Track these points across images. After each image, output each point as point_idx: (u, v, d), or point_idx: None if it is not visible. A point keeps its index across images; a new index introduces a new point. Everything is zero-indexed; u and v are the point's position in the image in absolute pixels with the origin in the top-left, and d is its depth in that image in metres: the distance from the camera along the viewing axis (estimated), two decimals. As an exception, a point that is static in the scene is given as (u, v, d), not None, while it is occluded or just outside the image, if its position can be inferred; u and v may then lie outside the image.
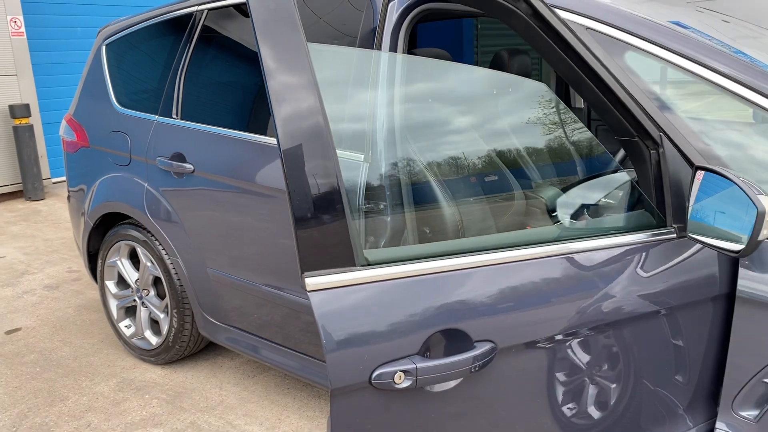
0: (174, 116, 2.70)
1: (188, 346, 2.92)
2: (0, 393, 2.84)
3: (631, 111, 1.36)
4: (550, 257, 1.28)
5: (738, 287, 1.49)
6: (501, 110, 1.59)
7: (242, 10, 2.58)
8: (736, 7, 2.19)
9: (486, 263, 1.16)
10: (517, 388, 1.23)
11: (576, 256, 1.31)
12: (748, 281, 1.48)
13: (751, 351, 1.50)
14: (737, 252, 1.28)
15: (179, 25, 2.75)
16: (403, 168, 1.67)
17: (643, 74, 1.62)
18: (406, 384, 1.05)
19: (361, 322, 1.04)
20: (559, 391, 1.33)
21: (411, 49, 3.69)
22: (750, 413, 1.54)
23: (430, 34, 9.21)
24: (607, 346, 1.39)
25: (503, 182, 1.66)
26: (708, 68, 1.54)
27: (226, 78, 2.57)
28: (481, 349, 1.13)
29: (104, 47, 3.12)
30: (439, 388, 1.11)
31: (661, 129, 1.41)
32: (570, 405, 1.38)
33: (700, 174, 1.35)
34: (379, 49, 2.07)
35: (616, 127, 1.40)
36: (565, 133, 1.62)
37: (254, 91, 2.44)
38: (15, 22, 6.47)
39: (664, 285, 1.43)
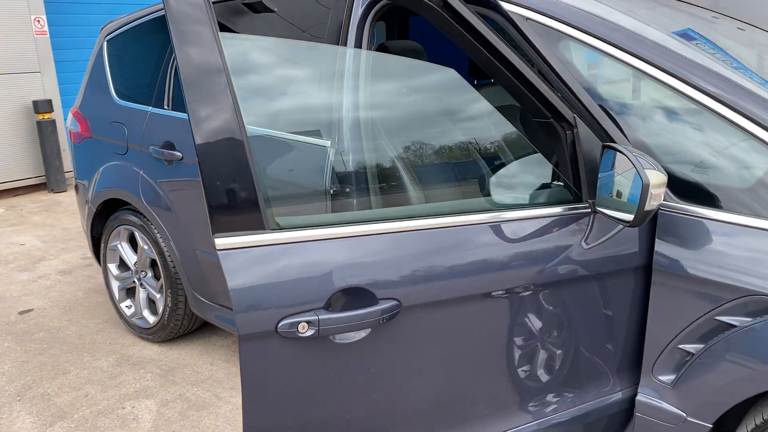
0: (165, 107, 2.87)
1: (182, 325, 3.10)
2: (8, 366, 3.05)
3: (544, 95, 1.47)
4: (460, 226, 1.40)
5: (654, 259, 1.60)
6: (433, 99, 1.72)
7: (229, 5, 2.73)
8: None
9: (391, 230, 1.29)
10: (422, 345, 1.35)
11: (485, 226, 1.43)
12: (663, 253, 1.59)
13: (666, 319, 1.61)
14: (629, 222, 1.39)
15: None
16: (359, 153, 1.81)
17: (575, 61, 1.73)
18: (309, 333, 1.19)
19: (268, 278, 1.18)
20: (468, 349, 1.45)
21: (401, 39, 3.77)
22: (668, 378, 1.64)
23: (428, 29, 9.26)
24: (521, 309, 1.50)
25: (445, 165, 1.78)
26: (634, 56, 1.64)
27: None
28: (384, 305, 1.27)
29: (105, 43, 3.30)
30: (344, 339, 1.25)
31: (576, 111, 1.52)
32: (478, 364, 1.50)
33: (604, 151, 1.46)
34: (345, 43, 2.20)
35: (532, 111, 1.51)
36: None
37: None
38: (38, 21, 6.74)
39: (579, 256, 1.54)
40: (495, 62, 1.45)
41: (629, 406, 1.76)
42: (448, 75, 1.62)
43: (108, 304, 3.74)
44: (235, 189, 1.11)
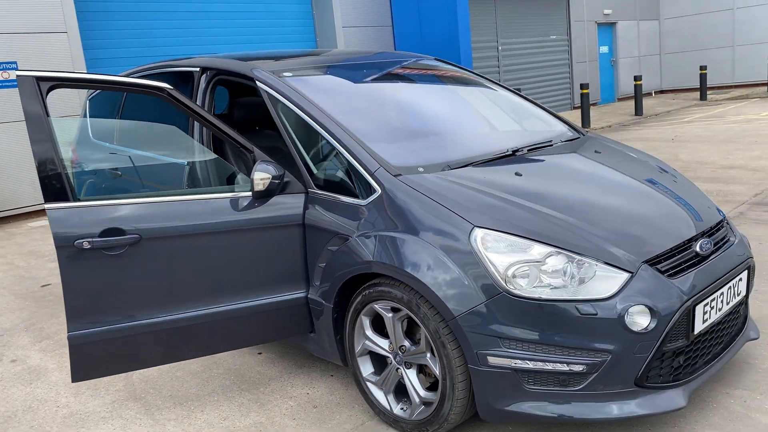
0: (114, 143, 4.46)
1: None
2: (25, 314, 4.70)
3: (232, 136, 2.92)
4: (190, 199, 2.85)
5: (305, 218, 3.00)
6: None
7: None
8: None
9: (144, 202, 2.76)
10: (155, 258, 2.77)
11: (202, 199, 2.87)
12: (308, 216, 2.99)
13: (314, 249, 3.00)
14: (250, 196, 2.82)
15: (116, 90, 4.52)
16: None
17: (286, 118, 3.16)
18: (88, 246, 2.63)
19: (69, 220, 2.63)
20: (185, 261, 2.84)
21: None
22: (317, 282, 3.03)
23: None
24: (219, 243, 2.90)
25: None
26: (309, 117, 3.04)
27: (140, 117, 4.30)
28: (129, 237, 2.71)
29: (87, 102, 4.95)
30: (113, 253, 2.68)
31: (252, 147, 2.95)
32: (198, 278, 2.90)
33: (256, 162, 2.90)
34: (195, 99, 3.69)
35: (232, 147, 2.96)
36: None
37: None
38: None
39: (255, 214, 2.94)
40: (207, 125, 2.92)
41: (306, 301, 3.09)
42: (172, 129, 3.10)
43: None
44: (52, 176, 2.59)
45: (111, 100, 4.60)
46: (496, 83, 4.09)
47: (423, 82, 3.85)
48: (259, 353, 3.73)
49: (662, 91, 21.14)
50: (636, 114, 15.69)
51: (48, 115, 2.66)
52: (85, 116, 4.97)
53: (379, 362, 2.91)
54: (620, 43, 19.33)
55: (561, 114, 16.18)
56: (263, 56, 3.77)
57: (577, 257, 2.43)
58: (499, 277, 2.41)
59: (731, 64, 19.77)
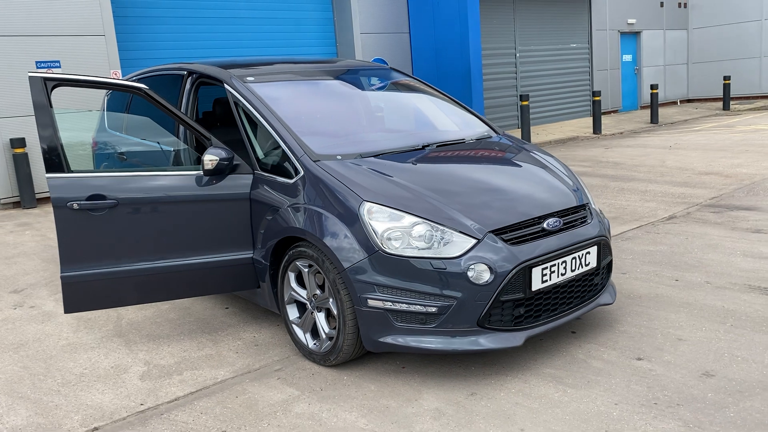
0: (123, 132, 5.34)
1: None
2: (48, 274, 5.61)
3: (193, 125, 3.72)
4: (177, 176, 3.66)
5: (251, 194, 3.78)
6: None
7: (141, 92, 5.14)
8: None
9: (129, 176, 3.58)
10: (136, 224, 3.58)
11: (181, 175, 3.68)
12: (254, 192, 3.77)
13: (258, 219, 3.78)
14: (201, 174, 3.61)
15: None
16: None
17: (242, 114, 3.96)
18: (76, 207, 3.46)
19: (64, 187, 3.46)
20: (157, 230, 3.66)
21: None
22: (259, 246, 3.80)
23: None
24: (178, 213, 3.70)
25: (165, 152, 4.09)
26: (260, 116, 3.83)
27: (145, 115, 5.16)
28: (109, 201, 3.52)
29: (105, 99, 5.86)
30: (97, 214, 3.50)
31: (209, 136, 3.75)
32: (164, 237, 3.70)
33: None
34: (182, 100, 4.52)
35: (195, 135, 3.76)
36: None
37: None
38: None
39: (218, 189, 3.73)
40: (176, 117, 3.73)
41: (252, 261, 3.86)
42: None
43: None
44: (52, 153, 3.44)
45: (121, 98, 5.48)
46: (439, 92, 4.79)
47: (366, 88, 4.60)
48: (227, 308, 4.53)
49: (689, 101, 21.32)
50: (651, 122, 16.06)
51: (51, 106, 3.50)
52: (102, 110, 5.88)
53: (301, 308, 3.67)
54: (644, 52, 19.63)
55: (578, 121, 16.65)
56: (240, 63, 4.56)
57: (439, 226, 3.15)
58: (377, 239, 3.15)
59: (758, 75, 19.86)
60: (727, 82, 18.10)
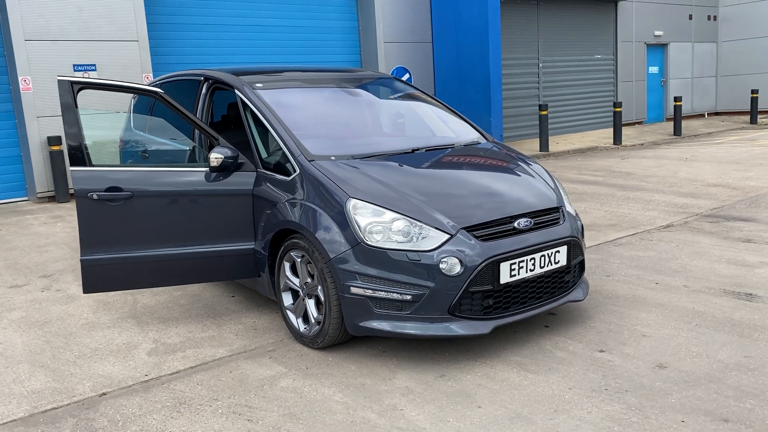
0: (147, 132, 5.77)
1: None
2: (74, 263, 6.06)
3: (205, 128, 4.10)
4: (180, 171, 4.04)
5: (253, 190, 4.15)
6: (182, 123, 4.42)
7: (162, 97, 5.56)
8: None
9: (149, 171, 3.97)
10: (149, 214, 3.97)
11: (187, 172, 4.06)
12: (257, 188, 4.13)
13: (259, 214, 4.15)
14: (208, 170, 3.98)
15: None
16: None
17: (251, 118, 4.33)
18: (96, 198, 3.85)
19: (85, 179, 3.85)
20: (167, 220, 4.04)
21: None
22: (260, 238, 4.16)
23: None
24: (187, 205, 4.08)
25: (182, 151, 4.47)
26: (264, 119, 4.20)
27: (165, 117, 5.58)
28: (125, 193, 3.91)
29: (132, 101, 6.30)
30: (114, 204, 3.89)
31: (217, 137, 4.12)
32: (175, 227, 4.08)
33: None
34: (198, 103, 4.92)
35: (204, 135, 4.14)
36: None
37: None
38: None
39: (222, 185, 4.10)
40: (188, 120, 4.11)
41: (253, 251, 4.22)
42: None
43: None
44: (76, 149, 3.83)
45: (146, 101, 5.92)
46: (437, 101, 5.11)
47: (367, 95, 4.95)
48: (233, 296, 4.90)
49: (717, 113, 21.22)
50: (674, 134, 16.11)
51: (77, 107, 3.92)
52: (129, 112, 6.33)
53: (295, 296, 4.01)
54: (671, 64, 19.64)
55: (600, 131, 16.76)
56: (252, 71, 4.94)
57: (416, 222, 3.47)
58: (360, 233, 3.48)
59: (788, 89, 19.70)
60: (755, 95, 18.03)
